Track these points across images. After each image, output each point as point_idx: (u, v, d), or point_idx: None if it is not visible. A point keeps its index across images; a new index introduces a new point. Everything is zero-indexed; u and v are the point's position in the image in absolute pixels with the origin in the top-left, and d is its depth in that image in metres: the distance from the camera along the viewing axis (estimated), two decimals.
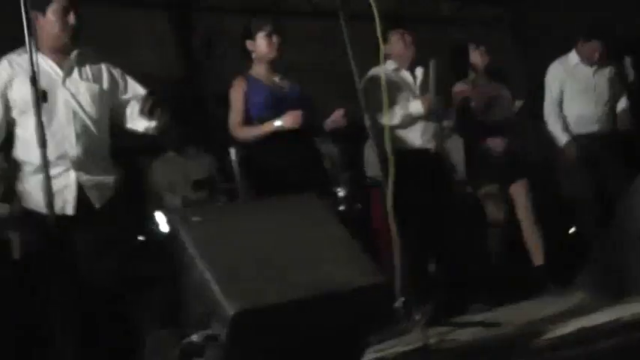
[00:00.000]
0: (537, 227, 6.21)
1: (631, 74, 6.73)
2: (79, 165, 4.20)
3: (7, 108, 4.15)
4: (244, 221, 3.19)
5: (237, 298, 2.79)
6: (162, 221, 5.34)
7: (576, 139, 6.34)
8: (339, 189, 6.45)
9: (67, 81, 4.23)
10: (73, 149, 4.18)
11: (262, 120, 5.03)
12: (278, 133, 5.00)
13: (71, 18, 4.13)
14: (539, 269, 6.16)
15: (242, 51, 5.22)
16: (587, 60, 6.43)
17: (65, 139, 4.16)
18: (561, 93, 6.44)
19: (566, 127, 6.36)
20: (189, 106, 5.38)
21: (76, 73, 4.29)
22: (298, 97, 5.18)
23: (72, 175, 4.18)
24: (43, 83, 3.87)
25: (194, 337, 2.92)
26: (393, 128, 5.34)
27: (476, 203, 6.34)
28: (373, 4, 4.23)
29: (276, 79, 5.17)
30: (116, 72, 4.45)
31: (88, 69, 4.34)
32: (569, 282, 5.51)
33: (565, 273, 5.76)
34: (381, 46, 4.44)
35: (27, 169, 4.16)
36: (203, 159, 6.27)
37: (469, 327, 4.41)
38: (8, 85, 4.14)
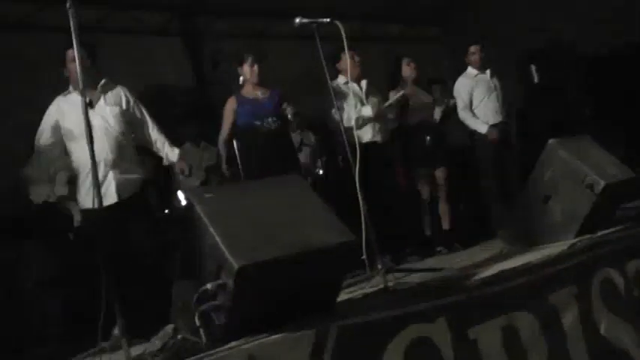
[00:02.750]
0: (448, 202, 6.32)
1: (536, 77, 6.80)
2: (113, 166, 4.46)
3: (61, 135, 4.47)
4: (245, 196, 3.18)
5: (240, 256, 2.79)
6: (182, 198, 5.35)
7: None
8: (317, 169, 6.48)
9: (97, 107, 4.49)
10: (109, 156, 4.44)
11: (247, 125, 5.13)
12: (264, 134, 5.06)
13: (86, 62, 4.24)
14: (448, 232, 6.25)
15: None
16: (476, 65, 6.51)
17: (103, 150, 4.39)
18: (470, 99, 6.50)
19: (481, 121, 6.41)
20: (201, 110, 5.41)
21: (102, 100, 4.55)
22: (275, 103, 5.29)
23: (110, 175, 4.45)
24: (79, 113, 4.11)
25: (208, 286, 2.92)
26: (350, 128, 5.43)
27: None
28: (342, 30, 4.25)
29: (259, 93, 5.29)
30: (128, 94, 4.73)
31: (110, 95, 4.62)
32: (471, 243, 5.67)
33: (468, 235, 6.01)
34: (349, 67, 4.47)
35: (81, 176, 4.47)
36: (212, 150, 6.26)
37: (419, 272, 4.44)
38: (60, 118, 4.48)
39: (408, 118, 6.28)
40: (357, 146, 4.34)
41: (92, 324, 3.37)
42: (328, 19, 4.31)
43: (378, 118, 5.84)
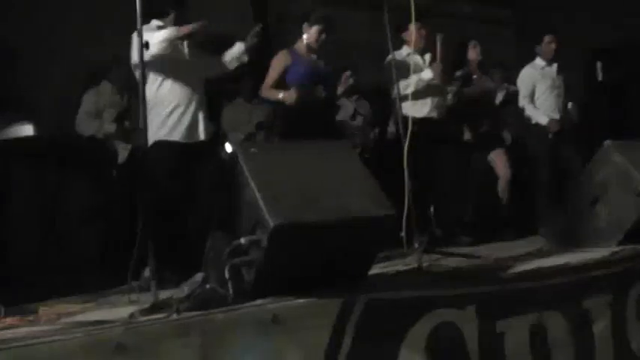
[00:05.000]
0: (508, 187, 6.18)
1: (600, 75, 6.62)
2: (201, 107, 4.54)
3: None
4: (290, 156, 3.15)
5: (278, 214, 2.76)
6: (228, 149, 5.32)
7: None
8: (369, 140, 6.40)
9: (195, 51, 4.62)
10: (199, 97, 4.53)
11: (299, 86, 5.03)
12: (313, 103, 4.98)
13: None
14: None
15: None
16: (546, 57, 6.36)
17: (196, 90, 4.52)
18: (533, 90, 6.35)
19: (542, 112, 6.30)
20: (259, 67, 5.32)
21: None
22: (329, 74, 5.18)
23: (200, 114, 4.53)
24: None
25: (242, 240, 2.89)
26: (411, 96, 5.32)
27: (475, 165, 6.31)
28: (412, 3, 4.17)
29: (314, 57, 5.16)
30: None
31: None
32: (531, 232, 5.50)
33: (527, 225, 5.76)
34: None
35: (164, 110, 4.43)
36: (265, 107, 6.21)
37: (455, 257, 4.37)
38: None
39: (467, 98, 6.15)
40: (410, 120, 4.26)
41: (127, 260, 3.38)
42: None
43: (437, 79, 5.68)
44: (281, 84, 5.11)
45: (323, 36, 5.14)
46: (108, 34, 5.69)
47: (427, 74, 5.60)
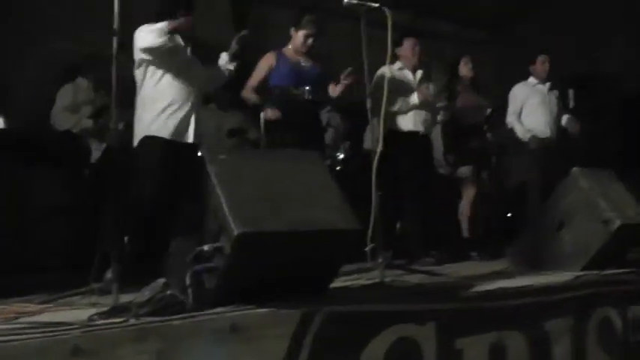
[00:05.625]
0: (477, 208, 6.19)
1: (572, 103, 6.70)
2: (195, 110, 4.52)
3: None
4: (259, 164, 3.13)
5: (242, 222, 2.76)
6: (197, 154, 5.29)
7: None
8: (338, 153, 6.37)
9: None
10: (196, 99, 4.54)
11: (281, 88, 5.01)
12: (296, 105, 4.97)
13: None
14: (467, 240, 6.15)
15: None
16: (539, 76, 6.42)
17: (193, 91, 4.52)
18: (522, 107, 6.41)
19: (527, 129, 6.39)
20: (236, 74, 5.30)
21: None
22: (316, 74, 5.15)
23: (193, 117, 4.51)
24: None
25: (206, 247, 2.88)
26: (393, 113, 5.42)
27: (447, 182, 6.32)
28: (389, 18, 4.16)
29: (301, 59, 5.14)
30: None
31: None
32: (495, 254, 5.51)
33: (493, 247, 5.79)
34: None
35: (159, 105, 4.40)
36: (237, 114, 6.17)
37: (418, 273, 4.38)
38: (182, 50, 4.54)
39: (459, 116, 6.17)
40: (381, 135, 4.26)
41: (91, 262, 3.35)
42: (377, 4, 4.21)
43: (424, 105, 5.70)
44: (263, 87, 5.11)
45: (310, 40, 5.12)
46: (84, 29, 5.67)
47: (413, 99, 5.62)
